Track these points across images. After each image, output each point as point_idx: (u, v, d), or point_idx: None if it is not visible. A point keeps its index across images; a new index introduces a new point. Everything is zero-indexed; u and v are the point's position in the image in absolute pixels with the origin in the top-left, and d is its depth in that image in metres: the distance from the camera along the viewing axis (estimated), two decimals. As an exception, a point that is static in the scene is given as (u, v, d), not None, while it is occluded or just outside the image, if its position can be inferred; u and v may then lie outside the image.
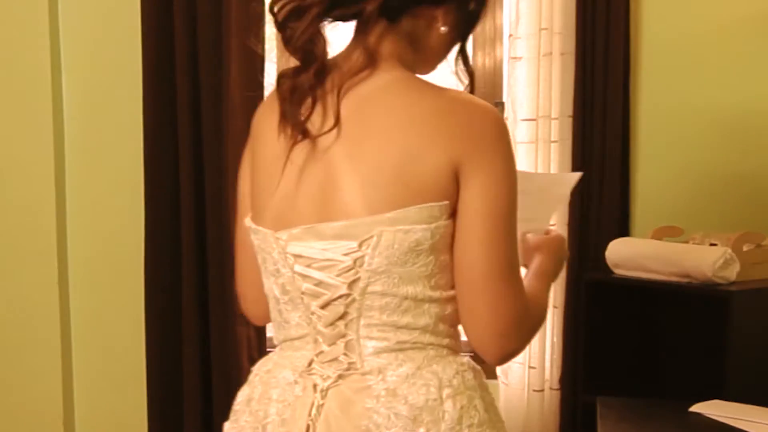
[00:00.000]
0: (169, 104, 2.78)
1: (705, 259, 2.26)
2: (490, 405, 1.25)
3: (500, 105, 2.80)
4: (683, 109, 2.69)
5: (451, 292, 1.20)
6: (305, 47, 1.21)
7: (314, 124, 1.19)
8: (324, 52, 1.22)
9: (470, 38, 1.32)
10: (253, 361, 2.82)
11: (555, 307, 2.64)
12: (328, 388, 1.19)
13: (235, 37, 2.74)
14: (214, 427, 2.85)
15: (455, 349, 1.24)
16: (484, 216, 1.15)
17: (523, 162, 2.62)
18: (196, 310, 2.82)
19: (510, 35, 2.65)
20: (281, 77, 1.24)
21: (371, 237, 1.15)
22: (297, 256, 1.20)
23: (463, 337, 1.26)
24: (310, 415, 1.19)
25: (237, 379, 2.80)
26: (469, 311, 1.19)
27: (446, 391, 1.18)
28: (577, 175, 1.62)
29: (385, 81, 1.20)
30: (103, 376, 3.04)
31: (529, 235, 1.44)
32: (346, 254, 1.17)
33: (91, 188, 3.00)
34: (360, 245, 1.16)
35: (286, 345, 1.27)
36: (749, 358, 2.23)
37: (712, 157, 2.68)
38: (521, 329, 1.21)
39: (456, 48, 1.29)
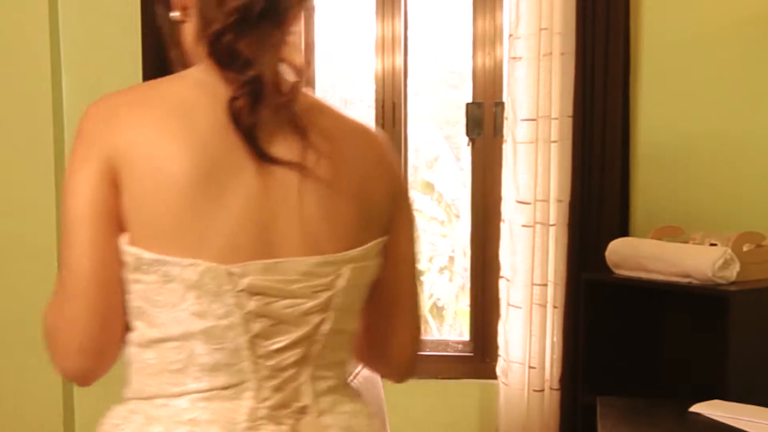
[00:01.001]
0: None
1: (705, 259, 2.26)
2: None
3: (500, 105, 2.80)
4: (683, 108, 2.69)
5: (369, 329, 1.21)
6: (246, 55, 1.05)
7: (285, 144, 1.05)
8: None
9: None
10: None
11: (555, 307, 2.64)
12: None
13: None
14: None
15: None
16: (411, 249, 1.19)
17: (523, 162, 2.62)
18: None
19: (510, 35, 2.65)
20: (245, 86, 1.03)
21: (340, 274, 1.08)
22: (255, 294, 1.03)
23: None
24: None
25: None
26: (390, 335, 1.21)
27: (374, 420, 1.20)
28: None
29: (311, 100, 1.11)
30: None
31: None
32: (316, 292, 1.07)
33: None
34: (331, 283, 1.08)
35: (196, 398, 1.05)
36: (749, 358, 2.23)
37: (712, 157, 2.68)
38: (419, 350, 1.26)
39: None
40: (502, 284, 2.72)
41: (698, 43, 2.67)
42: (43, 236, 2.97)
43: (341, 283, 1.08)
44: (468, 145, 2.91)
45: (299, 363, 1.08)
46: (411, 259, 1.20)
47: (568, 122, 2.61)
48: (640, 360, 2.62)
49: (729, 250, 2.26)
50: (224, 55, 1.03)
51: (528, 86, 2.61)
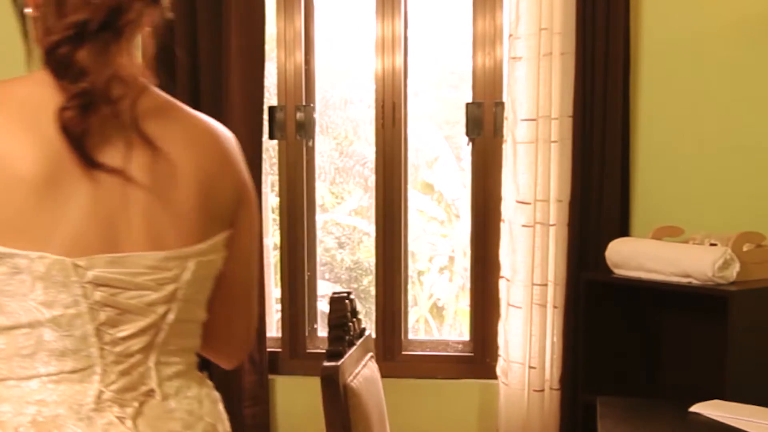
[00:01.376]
0: (169, 104, 2.79)
1: (705, 259, 2.26)
2: None
3: (500, 105, 2.80)
4: (683, 108, 2.69)
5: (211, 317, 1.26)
6: (80, 66, 1.10)
7: (127, 151, 1.11)
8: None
9: None
10: (253, 361, 2.87)
11: (555, 307, 2.64)
12: (134, 417, 1.15)
13: (235, 37, 2.75)
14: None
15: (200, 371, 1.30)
16: (252, 241, 1.27)
17: (523, 162, 2.63)
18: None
19: (510, 35, 2.65)
20: (78, 96, 1.08)
21: (186, 268, 1.16)
22: (101, 285, 1.10)
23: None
24: None
25: (237, 379, 2.81)
26: (227, 324, 1.29)
27: (220, 406, 1.29)
28: None
29: (152, 102, 1.18)
30: None
31: None
32: (161, 284, 1.14)
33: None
34: (176, 276, 1.15)
35: (46, 380, 1.11)
36: (749, 358, 2.23)
37: (712, 157, 2.68)
38: (254, 338, 1.36)
39: None
40: (502, 284, 2.72)
41: (698, 43, 2.67)
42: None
43: (186, 276, 1.16)
44: (468, 145, 2.91)
45: (145, 350, 1.15)
46: (249, 253, 1.27)
47: (568, 122, 2.61)
48: (640, 360, 2.62)
49: (729, 250, 2.26)
50: (59, 66, 1.08)
51: (528, 86, 2.61)
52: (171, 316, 1.16)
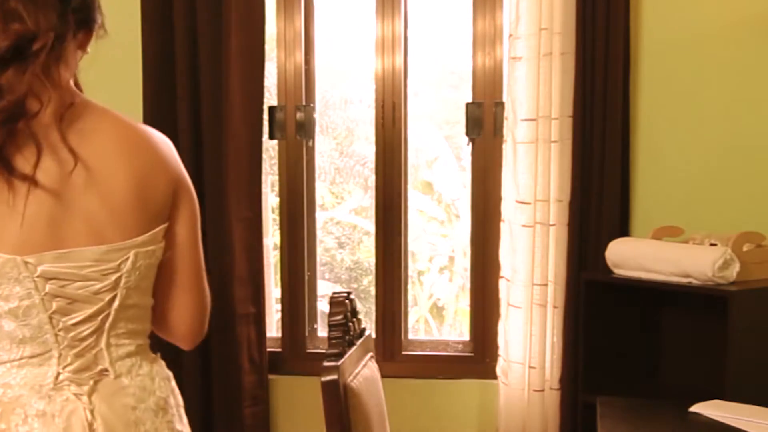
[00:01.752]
0: (168, 105, 2.79)
1: (705, 259, 2.26)
2: (179, 407, 1.48)
3: (500, 105, 2.80)
4: (683, 108, 2.69)
5: (159, 302, 1.43)
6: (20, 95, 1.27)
7: (51, 162, 1.27)
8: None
9: None
10: (253, 361, 2.87)
11: (555, 307, 2.64)
12: (90, 394, 1.32)
13: (235, 37, 2.75)
14: (214, 427, 2.85)
15: (153, 351, 1.46)
16: (190, 229, 1.41)
17: (523, 162, 2.63)
18: (196, 310, 2.83)
19: (510, 35, 2.65)
20: None
21: (127, 259, 1.32)
22: (50, 279, 1.28)
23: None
24: (87, 419, 1.30)
25: (237, 379, 2.80)
26: (173, 307, 1.43)
27: (173, 383, 1.46)
28: None
29: (88, 113, 1.34)
30: None
31: None
32: (105, 275, 1.31)
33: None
34: (118, 266, 1.32)
35: (9, 366, 1.31)
36: (749, 358, 2.23)
37: (712, 156, 2.68)
38: (207, 317, 1.48)
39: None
40: (502, 284, 2.72)
41: (698, 43, 2.67)
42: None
43: (127, 266, 1.32)
44: (468, 145, 2.91)
45: (96, 333, 1.33)
46: (189, 242, 1.41)
47: (568, 122, 2.61)
48: (640, 360, 2.62)
49: (729, 250, 2.26)
50: None
51: (528, 86, 2.61)
52: (116, 303, 1.33)
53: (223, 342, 2.81)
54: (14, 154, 1.24)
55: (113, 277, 1.32)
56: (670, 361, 2.61)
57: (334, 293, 1.95)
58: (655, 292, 2.47)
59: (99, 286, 1.31)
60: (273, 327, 3.12)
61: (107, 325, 1.34)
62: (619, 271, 2.47)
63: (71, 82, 1.40)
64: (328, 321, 1.90)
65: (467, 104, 2.87)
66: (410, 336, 3.04)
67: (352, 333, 1.96)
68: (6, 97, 1.23)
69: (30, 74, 1.25)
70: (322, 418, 1.80)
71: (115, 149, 1.32)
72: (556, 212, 2.62)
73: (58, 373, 1.31)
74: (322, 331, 3.06)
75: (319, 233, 3.15)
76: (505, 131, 2.67)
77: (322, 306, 3.08)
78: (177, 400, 1.45)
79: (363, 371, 1.97)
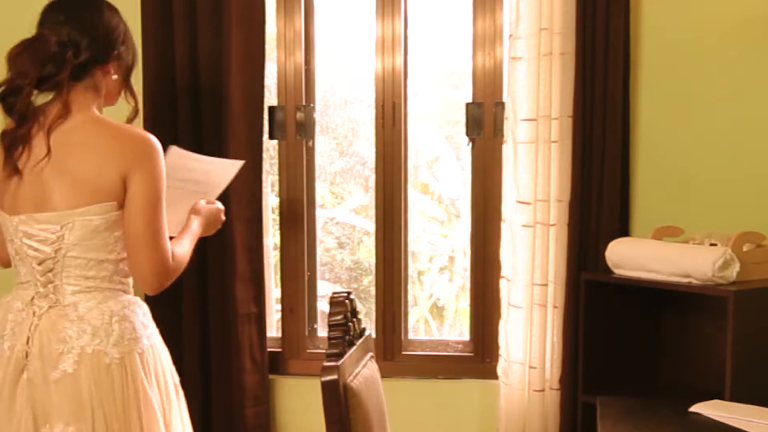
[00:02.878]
0: (168, 104, 2.79)
1: (705, 259, 2.26)
2: (143, 324, 1.97)
3: (500, 105, 2.80)
4: (683, 108, 2.69)
5: (123, 255, 1.93)
6: (22, 115, 1.88)
7: (36, 155, 1.89)
8: (34, 114, 1.90)
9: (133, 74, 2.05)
10: (253, 361, 2.87)
11: (555, 307, 2.64)
12: (42, 314, 1.91)
13: (235, 36, 2.75)
14: (215, 427, 2.85)
15: (126, 291, 1.98)
16: (142, 203, 1.88)
17: (523, 162, 2.63)
18: (196, 310, 2.83)
19: (510, 35, 2.65)
20: (4, 134, 1.93)
21: (69, 223, 1.88)
22: (24, 232, 1.92)
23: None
24: (30, 330, 1.90)
25: (239, 379, 2.80)
26: (135, 261, 1.91)
27: (115, 318, 1.91)
28: (238, 164, 2.37)
29: (77, 122, 1.90)
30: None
31: (200, 202, 2.18)
32: (52, 233, 1.90)
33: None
34: (61, 228, 1.89)
35: (18, 286, 1.98)
36: (749, 358, 2.23)
37: (712, 157, 2.68)
38: (167, 268, 1.92)
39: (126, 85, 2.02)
40: (502, 284, 2.72)
41: (698, 43, 2.67)
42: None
43: (72, 227, 1.89)
44: (468, 145, 2.91)
45: (51, 273, 1.92)
46: (136, 216, 1.88)
47: (568, 122, 2.61)
48: (640, 360, 2.62)
49: (729, 250, 2.26)
50: (5, 108, 1.89)
51: (528, 86, 2.61)
52: (62, 254, 1.90)
53: (225, 342, 2.81)
54: (18, 148, 1.91)
55: (58, 234, 1.90)
56: (670, 361, 2.61)
57: (334, 293, 1.95)
58: (655, 292, 2.47)
59: (49, 240, 1.90)
60: (273, 327, 3.12)
61: (58, 268, 1.91)
62: (619, 271, 2.47)
63: (95, 95, 1.96)
64: (328, 321, 1.90)
65: (467, 104, 2.87)
66: (410, 336, 3.04)
67: (352, 333, 1.96)
68: (18, 119, 1.90)
69: (26, 97, 1.87)
70: (322, 418, 1.80)
71: (78, 148, 1.89)
72: (556, 212, 2.62)
73: (32, 296, 1.94)
74: (322, 331, 3.06)
75: (319, 233, 3.15)
76: (505, 131, 2.67)
77: (322, 306, 3.08)
78: (120, 326, 1.91)
79: (363, 371, 1.97)
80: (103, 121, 1.92)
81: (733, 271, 2.25)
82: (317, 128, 3.03)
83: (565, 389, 2.64)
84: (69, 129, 1.89)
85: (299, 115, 2.96)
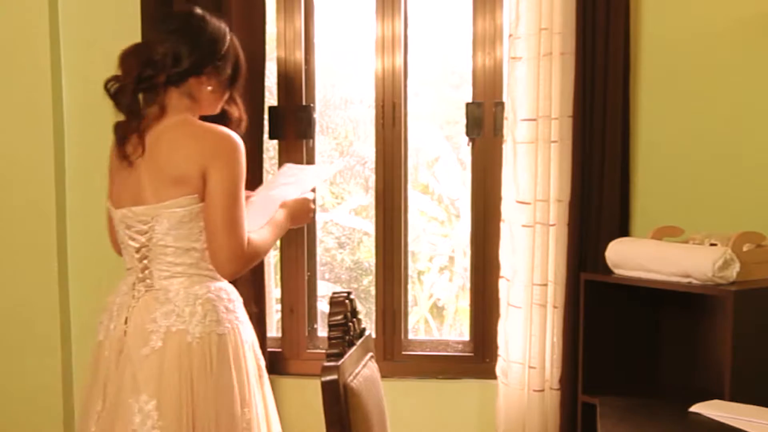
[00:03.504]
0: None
1: (705, 259, 2.26)
2: (227, 308, 2.13)
3: (500, 105, 2.80)
4: (683, 108, 2.69)
5: (206, 244, 2.08)
6: (129, 109, 2.10)
7: (135, 153, 2.09)
8: (139, 111, 2.11)
9: (239, 84, 2.23)
10: (253, 361, 2.85)
11: (555, 307, 2.64)
12: (140, 297, 2.12)
13: (235, 36, 2.74)
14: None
15: (214, 277, 2.13)
16: (218, 193, 2.03)
17: (523, 162, 2.63)
18: (196, 310, 2.83)
19: (510, 35, 2.65)
20: (116, 126, 2.13)
21: (158, 215, 2.08)
22: (125, 224, 2.14)
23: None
24: (128, 311, 2.11)
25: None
26: (212, 247, 2.06)
27: (199, 301, 2.08)
28: (334, 168, 2.76)
29: (169, 123, 2.10)
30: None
31: (290, 199, 2.31)
32: (145, 224, 2.10)
33: (91, 188, 3.00)
34: (152, 219, 2.09)
35: (126, 272, 2.19)
36: (749, 358, 2.23)
37: (712, 156, 2.68)
38: (242, 254, 2.06)
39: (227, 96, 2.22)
40: (502, 284, 2.72)
41: (698, 43, 2.67)
42: (43, 236, 2.97)
43: (160, 219, 2.08)
44: (468, 145, 2.91)
45: (146, 260, 2.12)
46: (216, 199, 2.03)
47: (568, 122, 2.61)
48: (640, 360, 2.62)
49: (729, 250, 2.26)
50: (114, 103, 2.12)
51: (528, 86, 2.61)
52: (153, 243, 2.10)
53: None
54: (127, 144, 2.11)
55: (148, 226, 2.10)
56: (670, 361, 2.61)
57: (334, 293, 1.95)
58: (655, 292, 2.47)
59: (143, 230, 2.11)
60: (273, 327, 3.12)
61: (151, 256, 2.11)
62: (619, 271, 2.47)
63: (191, 102, 2.14)
64: (328, 321, 1.90)
65: (467, 104, 2.87)
66: (410, 336, 3.04)
67: (352, 333, 1.96)
68: (128, 115, 2.12)
69: (130, 94, 2.10)
70: (322, 418, 1.80)
71: (166, 146, 2.08)
72: (556, 212, 2.62)
73: (134, 282, 2.14)
74: (322, 331, 3.06)
75: (319, 233, 3.15)
76: (505, 131, 2.67)
77: (322, 306, 3.08)
78: (203, 309, 2.09)
79: (363, 371, 1.97)
80: (191, 123, 2.11)
81: (733, 271, 2.25)
82: (317, 128, 3.03)
83: (565, 389, 2.64)
84: (162, 129, 2.09)
85: (299, 115, 2.96)
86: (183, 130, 2.08)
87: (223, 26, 2.19)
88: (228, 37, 2.18)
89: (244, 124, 2.25)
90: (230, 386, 2.07)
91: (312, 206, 2.38)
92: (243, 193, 2.07)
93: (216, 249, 2.05)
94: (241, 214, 2.05)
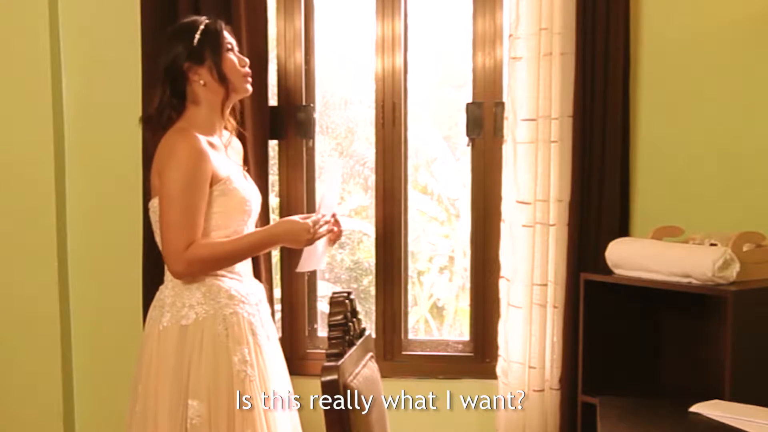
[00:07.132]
0: (169, 104, 2.79)
1: (705, 259, 2.26)
2: (230, 296, 2.26)
3: (500, 105, 2.80)
4: (683, 108, 2.70)
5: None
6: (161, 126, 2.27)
7: None
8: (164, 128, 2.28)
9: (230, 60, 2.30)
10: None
11: (555, 307, 2.64)
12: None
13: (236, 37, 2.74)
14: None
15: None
16: (161, 200, 2.16)
17: (523, 162, 2.62)
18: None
19: (510, 35, 2.65)
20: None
21: (150, 215, 2.32)
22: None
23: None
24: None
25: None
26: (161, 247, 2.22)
27: (204, 288, 2.24)
28: (336, 163, 2.91)
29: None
30: (103, 375, 3.04)
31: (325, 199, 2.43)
32: (154, 222, 2.29)
33: (91, 188, 3.00)
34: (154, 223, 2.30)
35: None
36: (749, 358, 2.23)
37: (712, 156, 2.68)
38: (177, 258, 2.15)
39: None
40: (502, 284, 2.72)
41: (698, 43, 2.67)
42: (43, 236, 2.97)
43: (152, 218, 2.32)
44: (468, 145, 2.91)
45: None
46: (159, 203, 2.18)
47: (568, 122, 2.61)
48: (640, 360, 2.62)
49: (729, 250, 2.26)
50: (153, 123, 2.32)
51: (528, 86, 2.61)
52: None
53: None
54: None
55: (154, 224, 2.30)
56: (670, 361, 2.61)
57: (334, 293, 1.95)
58: (655, 292, 2.47)
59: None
60: (273, 327, 3.12)
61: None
62: (619, 271, 2.47)
63: (195, 108, 2.28)
64: (328, 321, 1.90)
65: (467, 104, 2.87)
66: (410, 336, 3.04)
67: (352, 333, 1.96)
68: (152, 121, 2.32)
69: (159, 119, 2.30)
70: (322, 418, 1.80)
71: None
72: (556, 212, 2.62)
73: None
74: (322, 331, 3.06)
75: (319, 233, 3.14)
76: (505, 131, 2.67)
77: (322, 306, 3.08)
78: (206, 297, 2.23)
79: (363, 371, 1.97)
80: (176, 131, 2.23)
81: (733, 271, 2.25)
82: (317, 128, 3.03)
83: (565, 389, 2.64)
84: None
85: (299, 115, 2.96)
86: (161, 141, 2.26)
87: (193, 21, 2.29)
88: (199, 28, 2.26)
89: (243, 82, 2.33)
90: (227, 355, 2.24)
91: (307, 236, 2.32)
92: (196, 194, 2.15)
93: (161, 249, 2.22)
94: (177, 217, 2.14)
